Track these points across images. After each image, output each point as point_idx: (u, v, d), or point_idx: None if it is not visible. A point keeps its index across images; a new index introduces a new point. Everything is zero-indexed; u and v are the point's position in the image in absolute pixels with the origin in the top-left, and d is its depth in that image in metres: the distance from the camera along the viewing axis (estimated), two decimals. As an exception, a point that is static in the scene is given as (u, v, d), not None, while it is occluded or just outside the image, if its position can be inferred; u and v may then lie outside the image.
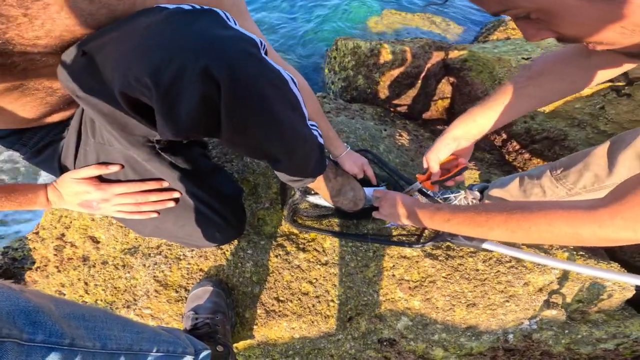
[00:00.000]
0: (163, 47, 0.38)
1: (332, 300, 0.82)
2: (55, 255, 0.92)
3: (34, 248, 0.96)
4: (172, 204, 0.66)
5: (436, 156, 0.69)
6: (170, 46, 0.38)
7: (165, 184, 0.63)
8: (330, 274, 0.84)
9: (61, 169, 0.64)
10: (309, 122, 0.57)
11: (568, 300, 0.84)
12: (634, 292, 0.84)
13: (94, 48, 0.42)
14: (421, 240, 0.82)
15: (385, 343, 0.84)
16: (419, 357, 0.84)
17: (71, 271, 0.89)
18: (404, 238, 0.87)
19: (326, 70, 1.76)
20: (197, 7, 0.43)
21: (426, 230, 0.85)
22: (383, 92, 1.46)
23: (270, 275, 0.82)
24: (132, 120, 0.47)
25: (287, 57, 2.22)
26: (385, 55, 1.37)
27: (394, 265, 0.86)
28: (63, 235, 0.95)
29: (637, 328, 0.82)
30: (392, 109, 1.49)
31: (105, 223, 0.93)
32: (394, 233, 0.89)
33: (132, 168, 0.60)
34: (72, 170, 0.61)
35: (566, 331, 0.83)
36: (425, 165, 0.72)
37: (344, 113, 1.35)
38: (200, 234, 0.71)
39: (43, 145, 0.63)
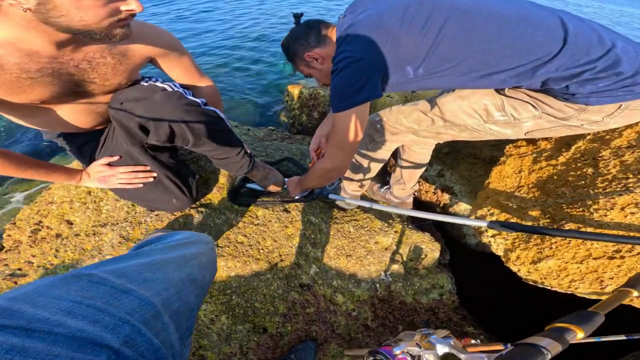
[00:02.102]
0: (156, 109, 0.85)
1: (262, 249, 1.09)
2: (30, 237, 1.11)
3: (9, 235, 1.13)
4: (151, 179, 1.01)
5: (312, 149, 1.15)
6: (159, 109, 0.84)
7: (147, 168, 1.00)
8: (261, 231, 1.13)
9: (90, 160, 1.01)
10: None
11: (404, 258, 1.21)
12: (439, 252, 1.24)
13: (125, 102, 0.86)
14: (308, 198, 1.23)
15: (304, 288, 1.09)
16: (328, 300, 1.09)
17: (44, 244, 1.07)
18: (301, 199, 1.24)
19: (282, 112, 2.29)
20: (175, 88, 0.89)
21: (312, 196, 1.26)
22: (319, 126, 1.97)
23: (212, 229, 1.09)
24: (136, 132, 0.89)
25: (253, 102, 2.82)
26: (320, 98, 1.92)
27: (305, 227, 1.17)
28: (40, 222, 1.15)
29: (445, 280, 1.19)
30: None
31: (82, 208, 1.16)
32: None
33: (131, 158, 0.98)
34: (98, 160, 0.99)
35: (408, 283, 1.17)
36: (311, 156, 1.18)
37: (287, 140, 1.79)
38: (162, 199, 1.04)
39: (82, 144, 1.01)
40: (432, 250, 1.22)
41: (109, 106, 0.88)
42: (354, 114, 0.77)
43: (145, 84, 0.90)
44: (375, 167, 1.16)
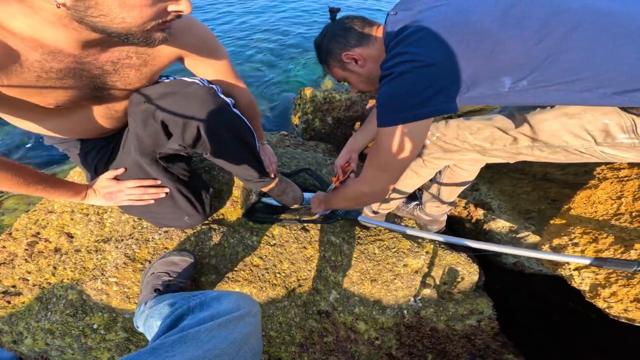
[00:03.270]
0: (188, 105, 0.75)
1: (279, 273, 0.99)
2: (26, 250, 1.01)
3: (4, 247, 1.04)
4: (163, 195, 0.91)
5: (339, 164, 1.04)
6: (191, 105, 0.75)
7: (158, 182, 0.90)
8: (278, 252, 1.03)
9: (96, 170, 0.90)
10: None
11: (437, 282, 1.10)
12: (478, 275, 1.13)
13: (150, 99, 0.75)
14: (331, 219, 1.13)
15: (323, 315, 1.00)
16: (348, 329, 1.00)
17: (41, 260, 0.98)
18: (324, 220, 1.15)
19: (293, 115, 2.19)
20: (205, 84, 0.78)
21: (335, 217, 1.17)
22: (333, 132, 1.86)
23: (226, 250, 0.99)
24: (148, 138, 0.78)
25: (264, 103, 2.71)
26: (335, 103, 1.80)
27: (324, 249, 1.08)
28: (38, 233, 1.05)
29: (485, 305, 1.09)
30: (340, 146, 1.87)
31: (84, 220, 1.07)
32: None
33: (140, 170, 0.87)
34: (104, 174, 0.88)
35: (441, 308, 1.06)
36: (336, 171, 1.07)
37: (301, 147, 1.69)
38: (173, 216, 0.95)
39: (88, 151, 0.90)
40: (469, 272, 1.11)
41: (129, 103, 0.77)
42: (410, 130, 0.64)
43: (167, 80, 0.80)
44: (413, 187, 1.05)
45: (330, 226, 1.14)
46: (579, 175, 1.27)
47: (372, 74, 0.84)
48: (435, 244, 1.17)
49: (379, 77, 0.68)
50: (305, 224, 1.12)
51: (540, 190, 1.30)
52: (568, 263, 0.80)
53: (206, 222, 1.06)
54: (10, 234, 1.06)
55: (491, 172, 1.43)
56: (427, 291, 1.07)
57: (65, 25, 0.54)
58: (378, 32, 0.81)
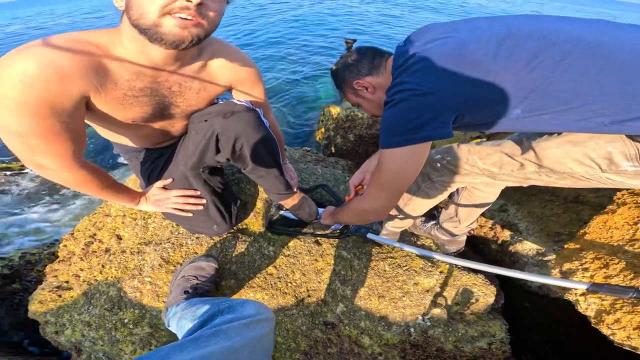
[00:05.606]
0: (238, 125, 0.85)
1: (290, 282, 1.07)
2: (83, 249, 1.20)
3: (65, 245, 1.24)
4: (201, 208, 1.03)
5: (352, 183, 1.10)
6: (239, 125, 0.85)
7: (198, 193, 1.03)
8: (291, 263, 1.11)
9: (148, 178, 1.06)
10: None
11: (449, 302, 1.09)
12: (494, 297, 1.10)
13: (209, 117, 0.87)
14: (342, 234, 1.19)
15: (329, 326, 1.05)
16: (353, 342, 1.04)
17: (93, 258, 1.16)
18: (335, 234, 1.21)
19: (317, 131, 2.30)
20: (251, 106, 0.89)
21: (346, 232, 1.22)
22: (355, 149, 1.93)
23: (245, 258, 1.10)
24: (198, 154, 0.91)
25: (290, 119, 2.87)
26: (357, 120, 1.88)
27: (335, 262, 1.14)
28: (94, 234, 1.25)
29: (498, 328, 1.05)
30: (361, 163, 1.93)
31: (132, 224, 1.24)
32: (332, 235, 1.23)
33: (186, 181, 1.01)
34: (156, 182, 1.03)
35: (450, 329, 1.05)
36: (350, 190, 1.13)
37: (321, 163, 1.78)
38: (204, 224, 1.08)
39: (145, 161, 1.06)
40: (485, 294, 1.09)
41: (191, 121, 0.90)
42: (407, 153, 0.70)
43: (220, 102, 0.93)
44: (425, 208, 1.07)
45: (343, 241, 1.20)
46: (613, 198, 1.21)
47: (382, 100, 0.91)
48: (451, 265, 1.17)
49: (384, 103, 0.75)
50: (318, 238, 1.19)
51: (572, 212, 1.25)
52: (574, 288, 0.78)
53: (232, 231, 1.18)
54: (73, 234, 1.27)
55: (520, 194, 1.39)
56: (437, 310, 1.08)
57: (135, 38, 0.62)
58: (388, 63, 0.88)
